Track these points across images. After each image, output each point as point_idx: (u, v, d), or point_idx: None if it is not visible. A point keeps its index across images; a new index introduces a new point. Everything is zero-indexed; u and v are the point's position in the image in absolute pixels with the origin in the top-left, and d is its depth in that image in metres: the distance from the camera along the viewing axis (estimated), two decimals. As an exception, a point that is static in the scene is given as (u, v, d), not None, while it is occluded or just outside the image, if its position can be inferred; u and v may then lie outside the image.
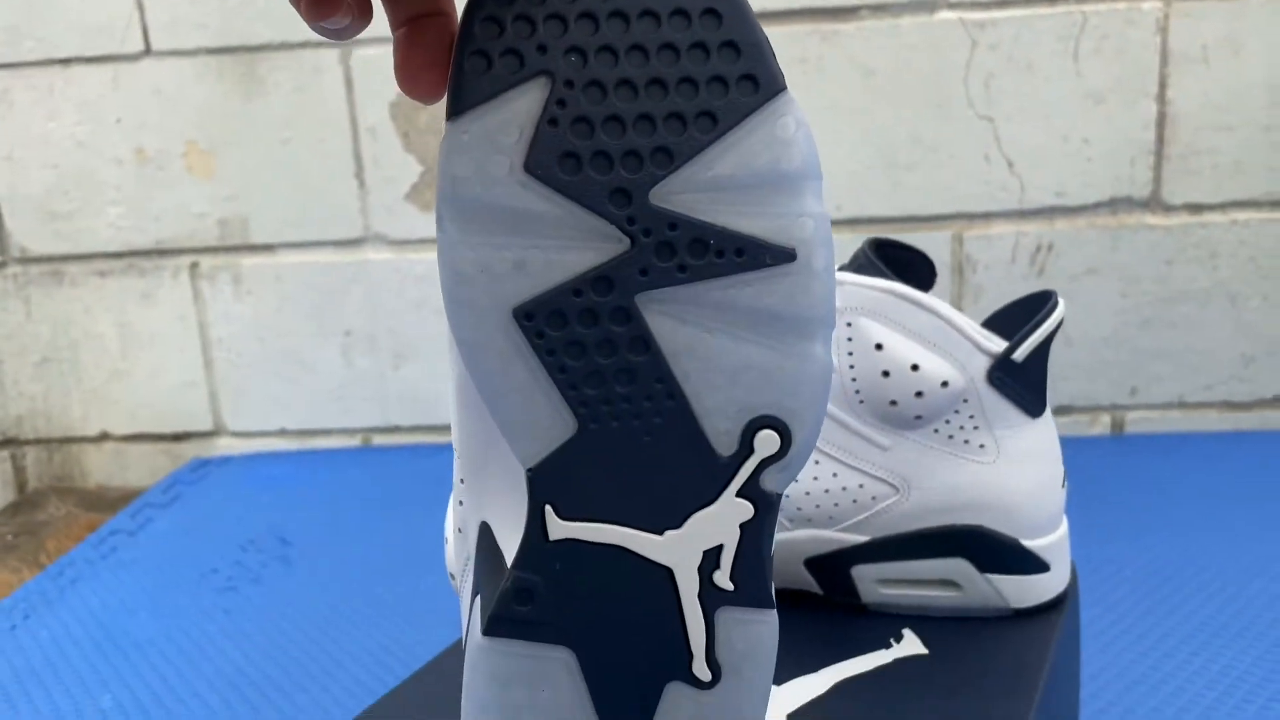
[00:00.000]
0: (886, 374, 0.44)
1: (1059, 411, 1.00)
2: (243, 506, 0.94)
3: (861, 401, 0.45)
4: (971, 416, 0.46)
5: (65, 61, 1.01)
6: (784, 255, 0.29)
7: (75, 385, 1.09)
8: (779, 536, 0.42)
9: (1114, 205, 0.97)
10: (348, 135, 1.00)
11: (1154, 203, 0.96)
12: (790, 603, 0.42)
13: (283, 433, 1.08)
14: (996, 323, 0.48)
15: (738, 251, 0.29)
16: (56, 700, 0.65)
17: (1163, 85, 0.94)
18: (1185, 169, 0.95)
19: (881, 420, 0.45)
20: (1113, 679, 0.61)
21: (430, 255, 1.01)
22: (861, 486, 0.46)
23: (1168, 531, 0.79)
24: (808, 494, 0.47)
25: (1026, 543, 0.46)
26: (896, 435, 0.46)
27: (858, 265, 0.47)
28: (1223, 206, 0.96)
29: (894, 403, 0.45)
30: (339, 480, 0.98)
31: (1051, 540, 0.47)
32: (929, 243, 0.97)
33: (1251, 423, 1.00)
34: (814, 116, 0.96)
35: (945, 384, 0.44)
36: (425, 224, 1.01)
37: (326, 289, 1.04)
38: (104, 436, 1.10)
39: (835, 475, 0.46)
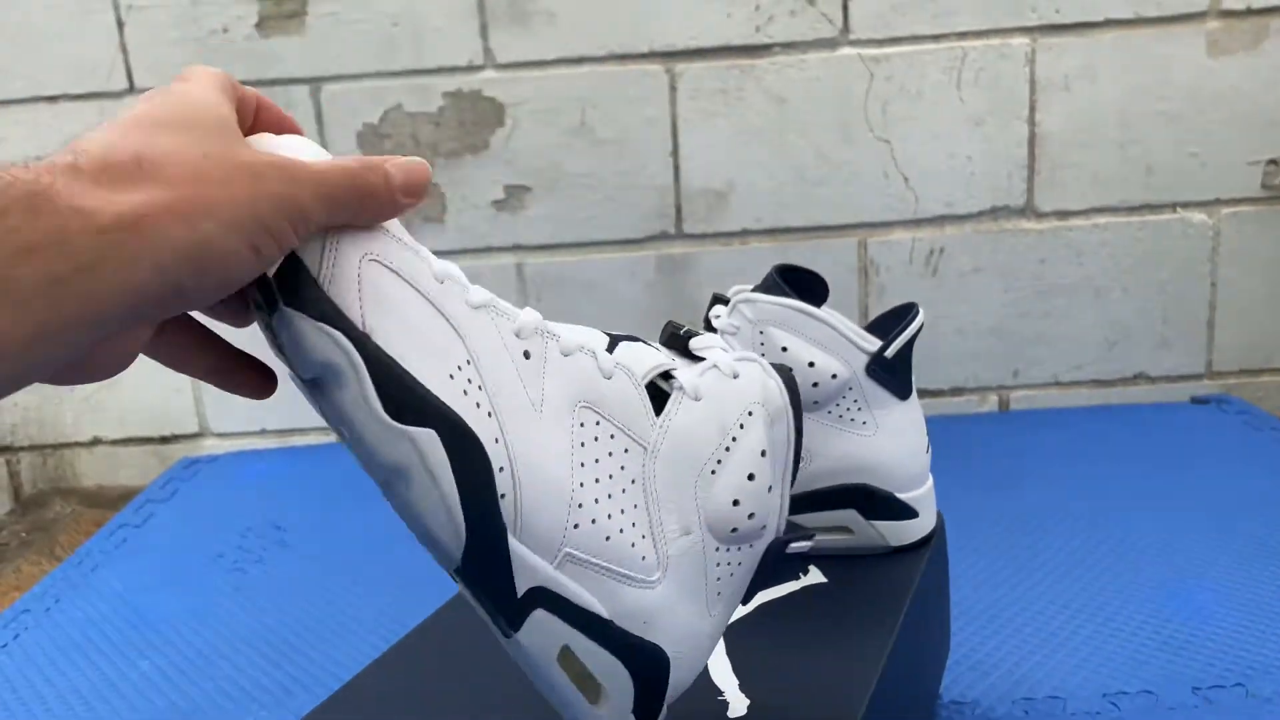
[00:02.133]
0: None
1: (954, 392, 1.16)
2: (236, 498, 1.05)
3: None
4: (855, 401, 0.58)
5: (53, 98, 1.10)
6: None
7: (67, 394, 1.18)
8: None
9: (995, 213, 1.11)
10: (318, 162, 1.11)
11: (1028, 210, 1.11)
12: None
13: (263, 432, 1.19)
14: (876, 326, 0.61)
15: None
16: (101, 667, 0.76)
17: (1032, 109, 1.09)
18: (1054, 181, 1.11)
19: None
20: (984, 607, 0.75)
21: (397, 269, 1.12)
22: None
23: (1041, 488, 0.95)
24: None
25: (901, 495, 0.59)
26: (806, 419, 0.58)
27: (766, 286, 0.60)
28: (1086, 212, 1.11)
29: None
30: (321, 472, 1.09)
31: (919, 493, 0.59)
32: (837, 249, 1.11)
33: (1116, 397, 1.16)
34: (735, 140, 1.11)
35: (835, 376, 0.56)
36: (391, 240, 1.12)
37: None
38: (96, 441, 1.20)
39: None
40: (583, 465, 0.39)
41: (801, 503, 0.57)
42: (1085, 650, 0.70)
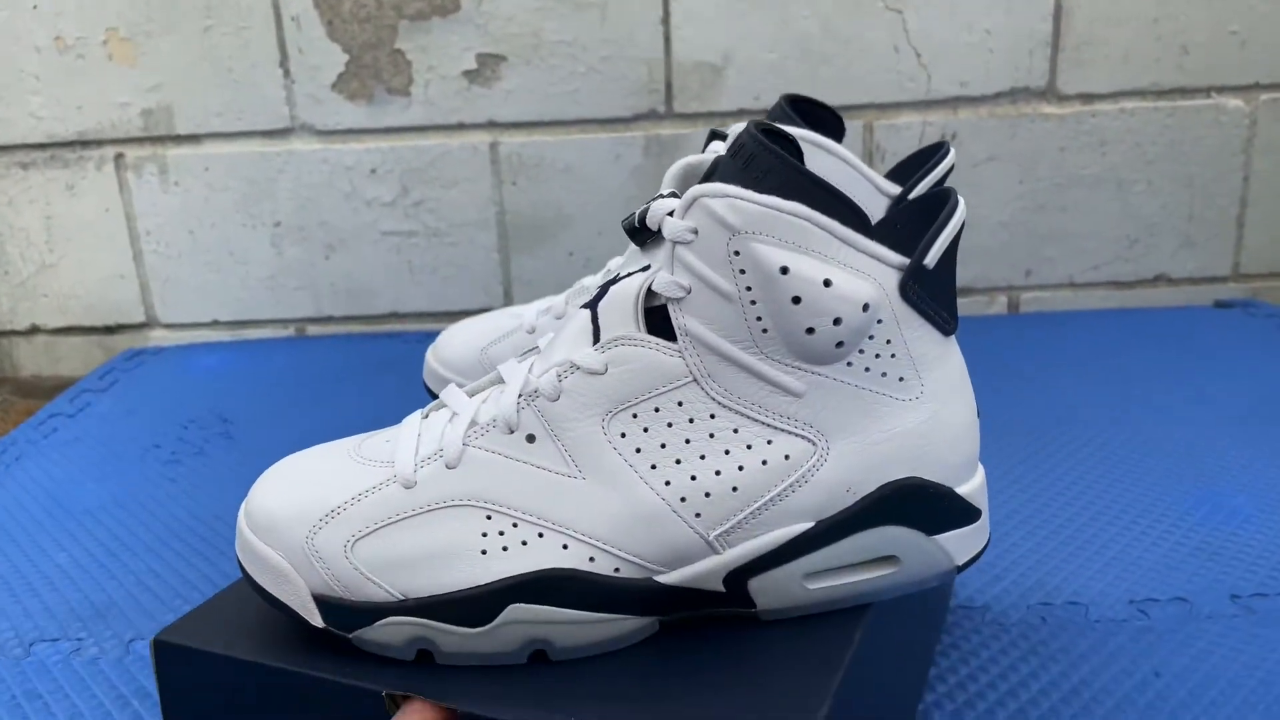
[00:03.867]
0: (798, 300, 0.37)
1: (961, 292, 1.07)
2: (181, 390, 0.96)
3: (766, 332, 0.38)
4: (889, 341, 0.39)
5: None
6: None
7: (2, 279, 1.09)
8: (688, 571, 0.40)
9: (1013, 95, 1.02)
10: (271, 23, 1.01)
11: (1050, 93, 1.02)
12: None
13: (215, 324, 1.10)
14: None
15: None
16: (14, 560, 0.68)
17: (1059, -21, 0.99)
18: (1079, 60, 1.01)
19: (796, 355, 0.38)
20: (995, 510, 0.68)
21: (359, 145, 1.03)
22: (770, 443, 0.39)
23: (1054, 391, 0.87)
24: (718, 474, 0.39)
25: (961, 490, 0.41)
26: (813, 375, 0.38)
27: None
28: (1113, 96, 1.02)
29: (811, 330, 0.38)
30: (274, 367, 1.01)
31: (976, 485, 0.42)
32: (841, 131, 1.02)
33: (1134, 300, 1.07)
34: (733, 8, 1.00)
35: (866, 307, 0.38)
36: (352, 114, 1.03)
37: (255, 180, 1.05)
38: (34, 330, 1.11)
39: (735, 431, 0.39)
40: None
41: (822, 537, 0.40)
42: (1108, 555, 0.62)
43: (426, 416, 0.43)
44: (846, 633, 0.41)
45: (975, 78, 1.01)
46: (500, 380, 0.43)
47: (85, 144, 1.05)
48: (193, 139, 1.04)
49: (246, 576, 0.41)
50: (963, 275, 1.06)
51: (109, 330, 1.11)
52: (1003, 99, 1.02)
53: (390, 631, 0.39)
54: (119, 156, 1.05)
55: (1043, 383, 0.88)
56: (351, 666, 0.40)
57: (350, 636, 0.40)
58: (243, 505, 0.42)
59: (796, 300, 0.37)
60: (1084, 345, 0.97)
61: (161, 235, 1.07)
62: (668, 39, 1.00)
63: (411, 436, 0.42)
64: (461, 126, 1.03)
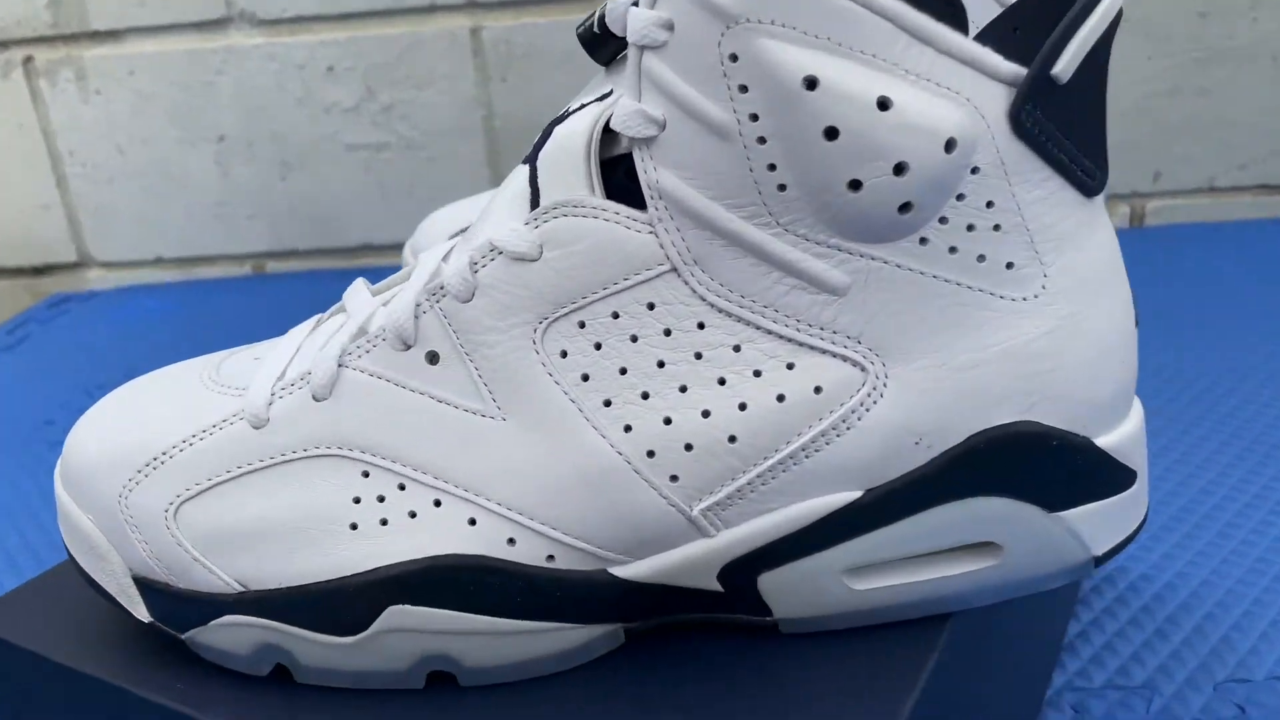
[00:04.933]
0: (834, 132, 0.24)
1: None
2: (105, 346, 0.79)
3: (784, 190, 0.24)
4: (990, 204, 0.25)
5: None
6: None
7: (-92, 213, 0.92)
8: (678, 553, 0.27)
9: (1141, -57, 0.79)
10: (193, -116, 0.81)
11: (1190, -62, 0.79)
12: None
13: (159, 261, 0.93)
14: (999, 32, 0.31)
15: None
16: None
17: None
18: (1231, -108, 0.77)
19: (834, 228, 0.25)
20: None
21: (312, 38, 0.83)
22: (792, 368, 0.26)
23: (1199, 335, 0.66)
24: (706, 415, 0.26)
25: (1104, 441, 0.27)
26: (860, 260, 0.25)
27: None
28: (1274, -60, 0.78)
29: (856, 184, 0.24)
30: (224, 313, 0.83)
31: (1133, 429, 0.28)
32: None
33: (1292, 208, 0.85)
34: None
35: (951, 144, 0.24)
36: (300, -3, 0.83)
37: (190, 84, 0.86)
38: (-49, 273, 0.94)
39: (736, 349, 0.26)
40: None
41: (876, 514, 0.26)
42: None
43: (319, 325, 0.31)
44: (915, 659, 0.26)
45: (1092, -79, 0.78)
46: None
47: (-14, 46, 0.86)
48: (112, 35, 0.85)
49: (66, 550, 0.31)
50: (1069, 181, 0.85)
51: (37, 272, 0.94)
52: (1127, -51, 0.79)
53: (230, 635, 0.28)
54: (28, 60, 0.87)
55: (1177, 318, 0.67)
56: (185, 680, 0.29)
57: (183, 637, 0.29)
58: (60, 457, 0.32)
59: (832, 133, 0.24)
60: (1229, 266, 0.75)
61: (86, 155, 0.89)
62: (690, -116, 0.78)
63: (286, 351, 0.30)
64: (434, 8, 0.83)
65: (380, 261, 0.91)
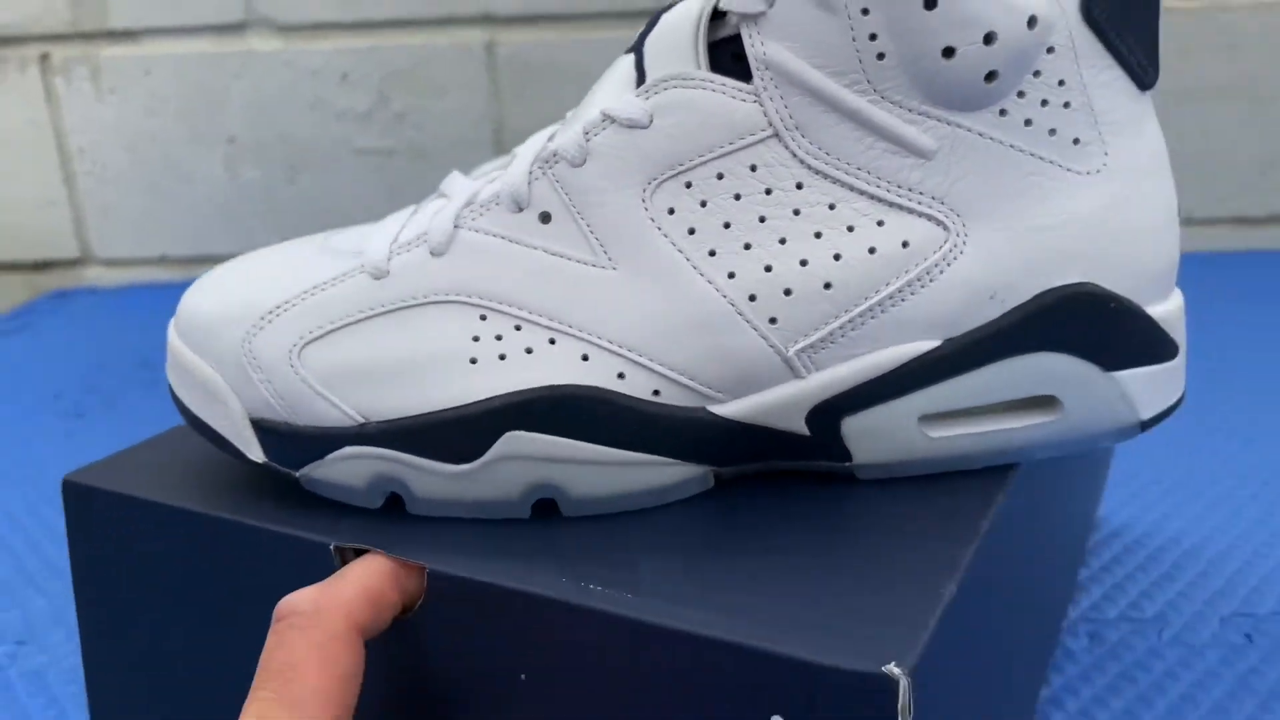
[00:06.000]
0: (933, 3, 0.26)
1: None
2: (105, 334, 0.80)
3: (883, 59, 0.27)
4: (1062, 83, 0.28)
5: None
6: None
7: (-89, 205, 0.93)
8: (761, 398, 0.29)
9: (1125, -16, 0.83)
10: (222, -108, 0.83)
11: (1171, -19, 0.83)
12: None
13: (163, 260, 0.93)
14: None
15: None
16: None
17: None
18: (1209, -60, 0.82)
19: (926, 95, 0.28)
20: (1149, 502, 0.50)
21: (329, 45, 0.86)
22: (882, 224, 0.28)
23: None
24: (804, 264, 0.28)
25: (1153, 311, 0.30)
26: (947, 127, 0.28)
27: None
28: (1249, -14, 0.83)
29: (950, 52, 0.27)
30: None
31: (1176, 305, 0.31)
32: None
33: (1267, 241, 0.89)
34: None
35: (1033, 21, 0.27)
36: (319, 5, 0.85)
37: (204, 86, 0.88)
38: (-50, 266, 0.95)
39: (832, 207, 0.28)
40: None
41: (953, 362, 0.29)
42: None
43: (418, 209, 0.32)
44: (979, 506, 0.28)
45: (1079, -39, 0.83)
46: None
47: (4, 41, 0.88)
48: (129, 35, 0.87)
49: (175, 400, 0.32)
50: (1055, 208, 0.88)
51: (37, 267, 0.94)
52: (1112, -11, 0.83)
53: (347, 468, 0.30)
54: (44, 57, 0.88)
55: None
56: (298, 516, 0.30)
57: (297, 475, 0.30)
58: (175, 315, 0.33)
59: (931, 3, 0.26)
60: (1204, 296, 0.78)
61: (97, 154, 0.90)
62: (702, -89, 0.82)
63: (394, 224, 0.31)
64: (451, 21, 0.86)
65: (383, 267, 0.92)
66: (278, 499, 0.31)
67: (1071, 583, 0.41)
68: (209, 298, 0.32)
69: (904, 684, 0.22)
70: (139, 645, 0.34)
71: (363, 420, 0.29)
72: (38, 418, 0.65)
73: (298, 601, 0.26)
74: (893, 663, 0.22)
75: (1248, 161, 0.87)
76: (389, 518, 0.30)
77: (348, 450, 0.29)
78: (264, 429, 0.30)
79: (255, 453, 0.30)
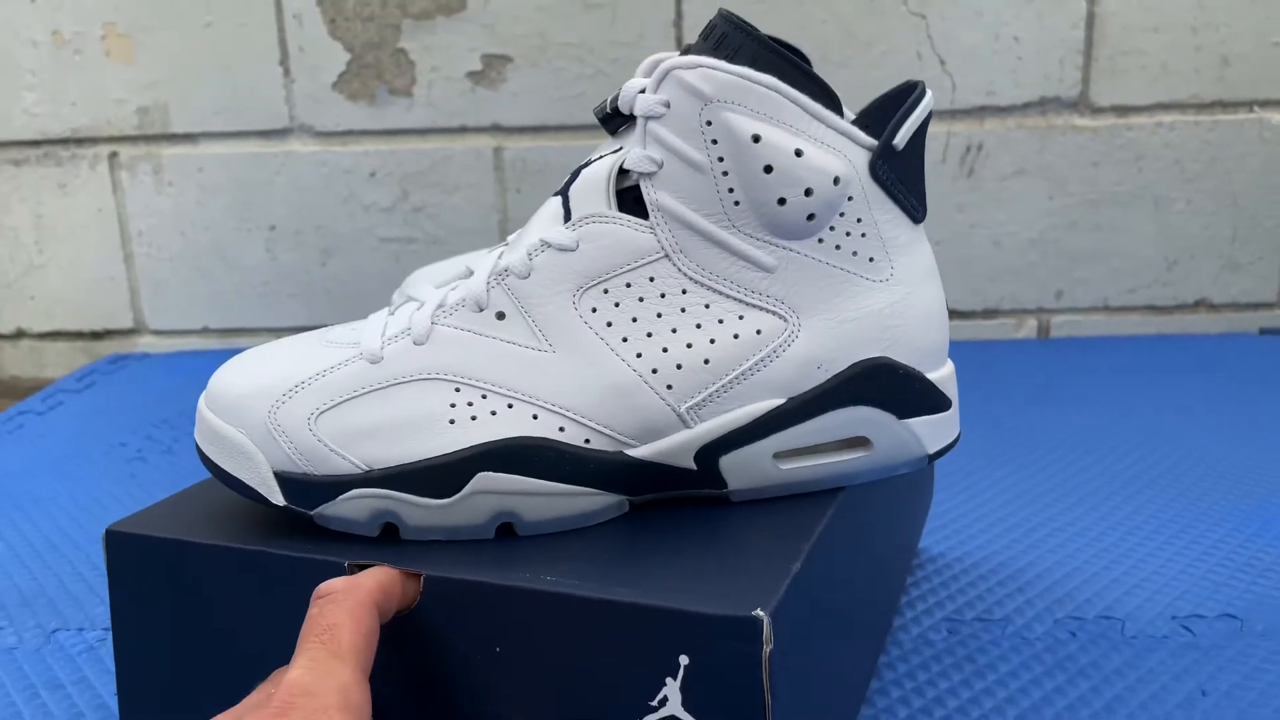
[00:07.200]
0: (769, 169, 0.37)
1: (986, 314, 1.01)
2: (160, 393, 0.92)
3: (738, 204, 0.38)
4: (859, 220, 0.39)
5: None
6: None
7: (-11, 280, 1.06)
8: (659, 444, 0.39)
9: (1043, 106, 0.97)
10: (272, 21, 0.98)
11: (1082, 104, 0.97)
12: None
13: (205, 331, 1.06)
14: (863, 122, 0.45)
15: None
16: (-54, 547, 0.63)
17: (1092, -16, 0.94)
18: (1113, 70, 0.96)
19: (768, 229, 0.38)
20: (1019, 522, 0.61)
21: (358, 148, 0.99)
22: (742, 319, 0.39)
23: (1087, 410, 0.80)
24: (689, 346, 0.39)
25: (931, 376, 0.41)
26: (784, 251, 0.38)
27: (719, 38, 0.42)
28: (1149, 109, 0.97)
29: (783, 201, 0.38)
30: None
31: (945, 374, 0.42)
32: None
33: (1173, 326, 1.01)
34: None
35: (837, 180, 0.38)
36: (352, 114, 0.99)
37: (250, 181, 1.02)
38: (20, 334, 1.07)
39: (707, 306, 0.39)
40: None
41: (794, 414, 0.40)
42: (1146, 569, 0.55)
43: (394, 312, 0.42)
44: (816, 513, 0.39)
45: (1003, 87, 0.97)
46: (468, 274, 0.42)
47: (79, 142, 1.02)
48: (188, 138, 1.01)
49: (205, 460, 0.40)
50: (989, 296, 1.01)
51: (96, 336, 1.07)
52: (1032, 110, 0.97)
53: (354, 506, 0.38)
54: (113, 155, 1.02)
55: (1075, 408, 0.81)
56: (313, 544, 0.38)
57: (312, 514, 0.39)
58: (204, 392, 0.41)
59: (768, 169, 0.38)
60: (1120, 372, 0.90)
61: (153, 237, 1.04)
62: (679, 41, 0.97)
63: (379, 322, 0.41)
64: (465, 130, 1.00)
65: (400, 339, 1.04)
66: (291, 533, 0.38)
67: (901, 580, 0.52)
68: (238, 378, 0.40)
69: (766, 623, 0.32)
70: (169, 671, 0.41)
71: (367, 469, 0.38)
72: (106, 461, 0.76)
73: (333, 582, 0.34)
74: (758, 608, 0.32)
75: (1155, 258, 0.99)
76: (386, 543, 0.38)
77: (354, 492, 0.38)
78: (285, 479, 0.38)
79: (278, 498, 0.38)
